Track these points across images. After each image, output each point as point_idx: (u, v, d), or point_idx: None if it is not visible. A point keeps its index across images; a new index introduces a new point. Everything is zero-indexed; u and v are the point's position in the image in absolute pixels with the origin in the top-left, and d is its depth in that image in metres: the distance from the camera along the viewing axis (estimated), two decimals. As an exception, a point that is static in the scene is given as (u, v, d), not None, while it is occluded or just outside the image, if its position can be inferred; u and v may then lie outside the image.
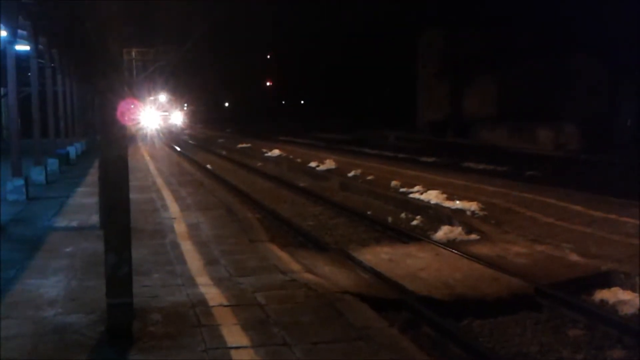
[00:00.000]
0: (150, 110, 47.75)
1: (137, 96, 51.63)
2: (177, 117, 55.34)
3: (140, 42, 52.12)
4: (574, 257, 9.20)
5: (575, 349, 6.56)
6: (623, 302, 7.63)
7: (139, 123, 44.07)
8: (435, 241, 10.70)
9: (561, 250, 9.58)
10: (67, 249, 8.82)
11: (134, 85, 56.69)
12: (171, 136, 49.19)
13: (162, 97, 52.92)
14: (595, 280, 8.31)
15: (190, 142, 46.08)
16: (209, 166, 25.01)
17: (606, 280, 8.31)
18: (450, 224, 11.93)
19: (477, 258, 9.16)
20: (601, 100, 33.86)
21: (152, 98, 50.84)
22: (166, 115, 52.82)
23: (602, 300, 7.83)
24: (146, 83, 56.26)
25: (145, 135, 42.89)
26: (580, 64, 34.63)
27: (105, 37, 5.48)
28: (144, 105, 48.38)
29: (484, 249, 9.86)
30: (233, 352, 5.18)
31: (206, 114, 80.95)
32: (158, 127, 46.59)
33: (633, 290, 7.91)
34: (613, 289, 8.03)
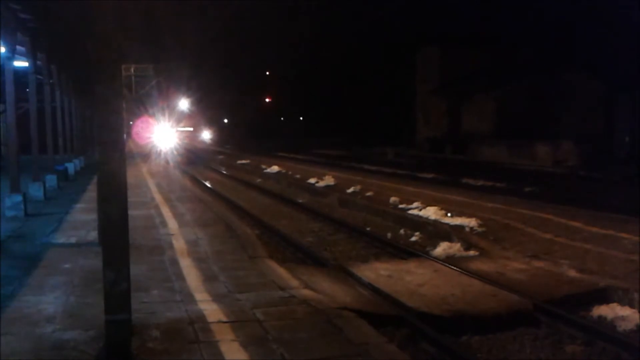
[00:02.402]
0: (165, 126, 38.36)
1: (143, 111, 44.64)
2: (206, 134, 41.14)
3: (139, 58, 51.99)
4: (572, 273, 9.20)
5: (574, 366, 6.56)
6: (621, 318, 7.63)
7: (152, 141, 38.14)
8: (434, 257, 10.71)
9: (559, 267, 9.59)
10: (66, 266, 8.80)
11: (140, 97, 52.33)
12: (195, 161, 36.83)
13: (184, 104, 41.20)
14: (593, 296, 8.31)
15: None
16: (208, 182, 25.01)
17: (604, 296, 8.31)
18: (449, 240, 11.94)
19: (476, 274, 9.16)
20: (598, 117, 34.05)
21: (164, 109, 40.27)
22: (189, 132, 41.09)
23: (600, 316, 7.82)
24: (154, 96, 46.41)
25: (159, 154, 36.48)
26: (577, 82, 34.85)
27: (105, 53, 5.52)
28: (157, 119, 39.64)
29: (482, 265, 9.86)
30: (232, 369, 5.17)
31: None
32: (176, 146, 37.87)
33: (631, 306, 7.91)
34: (611, 305, 8.03)
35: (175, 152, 36.75)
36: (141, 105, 44.87)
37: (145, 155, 37.35)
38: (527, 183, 21.66)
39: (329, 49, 61.54)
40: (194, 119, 41.22)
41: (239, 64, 71.54)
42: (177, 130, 38.79)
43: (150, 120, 39.49)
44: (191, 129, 40.27)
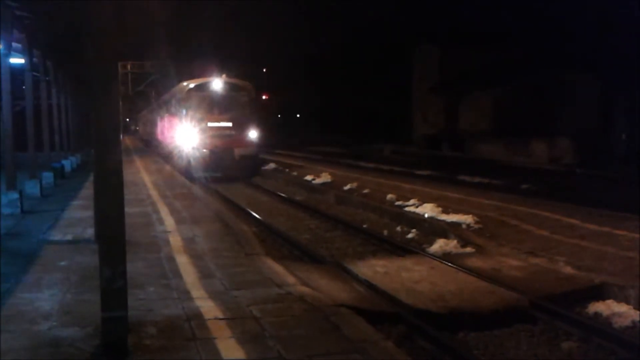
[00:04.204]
0: (186, 124, 24.88)
1: (164, 108, 31.69)
2: (253, 133, 25.81)
3: (134, 55, 51.80)
4: (569, 270, 9.22)
5: (570, 362, 6.59)
6: (617, 315, 7.66)
7: (174, 144, 26.86)
8: (431, 254, 10.72)
9: (556, 263, 9.61)
10: (62, 263, 8.79)
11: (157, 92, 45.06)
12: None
13: (217, 84, 25.45)
14: (589, 293, 8.34)
15: None
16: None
17: (600, 292, 8.33)
18: (446, 237, 11.96)
19: (472, 271, 9.18)
20: (595, 114, 34.06)
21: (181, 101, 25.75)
22: (226, 130, 25.23)
23: (596, 313, 7.86)
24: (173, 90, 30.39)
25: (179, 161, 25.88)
26: (575, 80, 34.86)
27: (102, 50, 5.51)
28: (177, 116, 26.17)
29: (479, 262, 9.88)
30: (228, 366, 5.18)
31: None
32: (199, 149, 24.55)
33: (627, 302, 7.94)
34: (607, 301, 8.06)
35: (198, 157, 24.35)
36: (162, 103, 32.05)
37: (166, 159, 29.58)
38: (523, 180, 21.69)
39: (327, 46, 61.51)
40: (235, 110, 25.32)
41: (236, 60, 71.33)
42: (206, 127, 24.52)
43: (173, 118, 27.42)
44: (229, 124, 24.76)
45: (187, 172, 23.82)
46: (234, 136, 25.14)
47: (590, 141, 30.98)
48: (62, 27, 17.41)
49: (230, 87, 25.88)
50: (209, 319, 6.27)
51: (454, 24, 42.36)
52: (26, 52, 17.33)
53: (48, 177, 19.22)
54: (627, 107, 31.91)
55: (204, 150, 24.42)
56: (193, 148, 24.35)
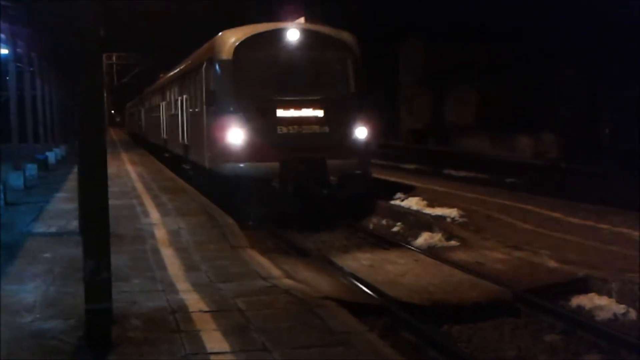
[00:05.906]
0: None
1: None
2: (361, 131, 13.24)
3: (121, 47, 51.16)
4: (552, 263, 9.29)
5: (553, 354, 6.65)
6: (599, 308, 7.75)
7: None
8: (416, 247, 10.78)
9: (539, 257, 9.67)
10: (46, 255, 8.73)
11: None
12: None
13: (293, 35, 13.11)
14: (572, 286, 8.42)
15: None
16: (191, 172, 24.77)
17: (583, 286, 8.41)
18: (431, 230, 12.01)
19: (456, 264, 9.23)
20: (580, 109, 34.27)
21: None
22: (312, 124, 13.07)
23: (579, 306, 7.94)
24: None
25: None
26: (562, 75, 35.02)
27: (86, 42, 5.46)
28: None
29: (463, 255, 9.94)
30: (213, 358, 5.16)
31: None
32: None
33: (609, 295, 8.02)
34: (590, 294, 8.14)
35: (256, 176, 13.12)
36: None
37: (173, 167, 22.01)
38: (508, 174, 21.77)
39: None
40: (328, 87, 13.39)
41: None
42: (273, 120, 13.00)
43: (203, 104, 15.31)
44: (318, 112, 12.76)
45: (231, 201, 13.36)
46: (327, 137, 13.43)
47: (575, 135, 31.18)
48: (46, 18, 17.24)
49: (318, 42, 13.93)
50: (193, 312, 6.26)
51: (439, 18, 42.37)
52: (10, 42, 17.14)
53: (32, 168, 19.05)
54: (610, 101, 32.14)
55: (269, 163, 13.09)
56: (245, 159, 13.23)
